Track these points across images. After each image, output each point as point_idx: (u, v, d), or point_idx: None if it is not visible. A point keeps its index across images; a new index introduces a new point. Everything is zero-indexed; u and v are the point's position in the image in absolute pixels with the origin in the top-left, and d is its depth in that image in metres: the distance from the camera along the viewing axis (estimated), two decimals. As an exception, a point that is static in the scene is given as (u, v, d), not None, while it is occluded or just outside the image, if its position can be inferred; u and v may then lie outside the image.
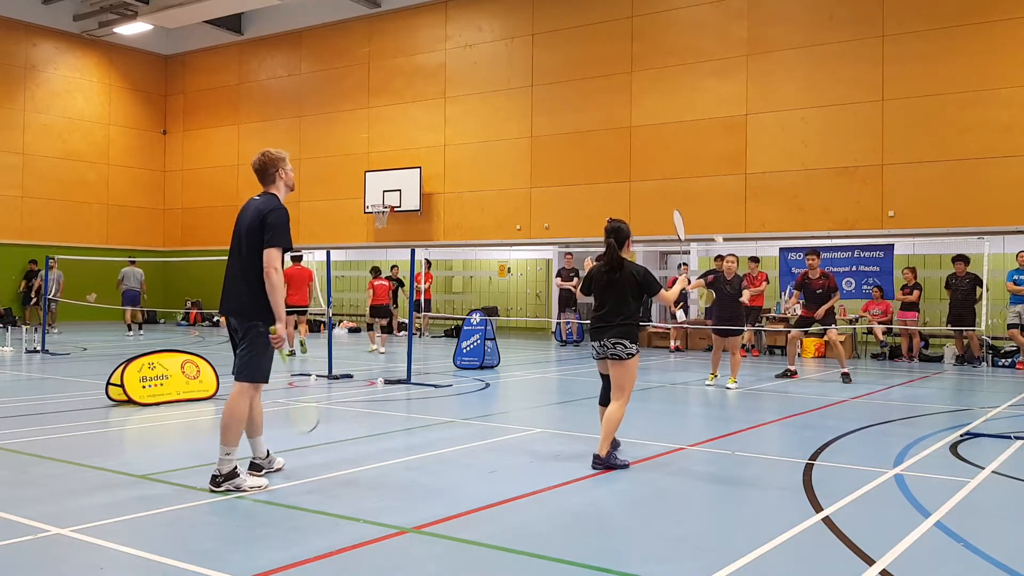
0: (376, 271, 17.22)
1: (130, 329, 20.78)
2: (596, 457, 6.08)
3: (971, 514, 4.97)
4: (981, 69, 16.10)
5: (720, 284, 11.29)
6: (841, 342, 16.50)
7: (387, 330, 17.21)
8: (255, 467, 5.63)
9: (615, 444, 6.31)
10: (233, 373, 5.48)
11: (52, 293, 20.31)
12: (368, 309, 16.63)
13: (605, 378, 6.63)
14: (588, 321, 6.76)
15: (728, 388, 11.00)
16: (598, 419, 6.47)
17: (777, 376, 12.67)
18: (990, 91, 16.01)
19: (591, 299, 6.69)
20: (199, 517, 4.69)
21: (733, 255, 11.56)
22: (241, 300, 5.34)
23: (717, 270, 11.80)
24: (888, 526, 4.65)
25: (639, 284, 6.39)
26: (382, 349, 16.09)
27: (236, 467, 5.26)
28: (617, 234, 6.40)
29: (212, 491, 5.18)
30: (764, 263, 17.95)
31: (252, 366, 5.40)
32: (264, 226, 5.21)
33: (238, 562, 3.93)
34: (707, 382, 11.47)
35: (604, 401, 6.58)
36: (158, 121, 28.32)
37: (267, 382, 5.53)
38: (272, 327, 5.29)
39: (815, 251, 12.89)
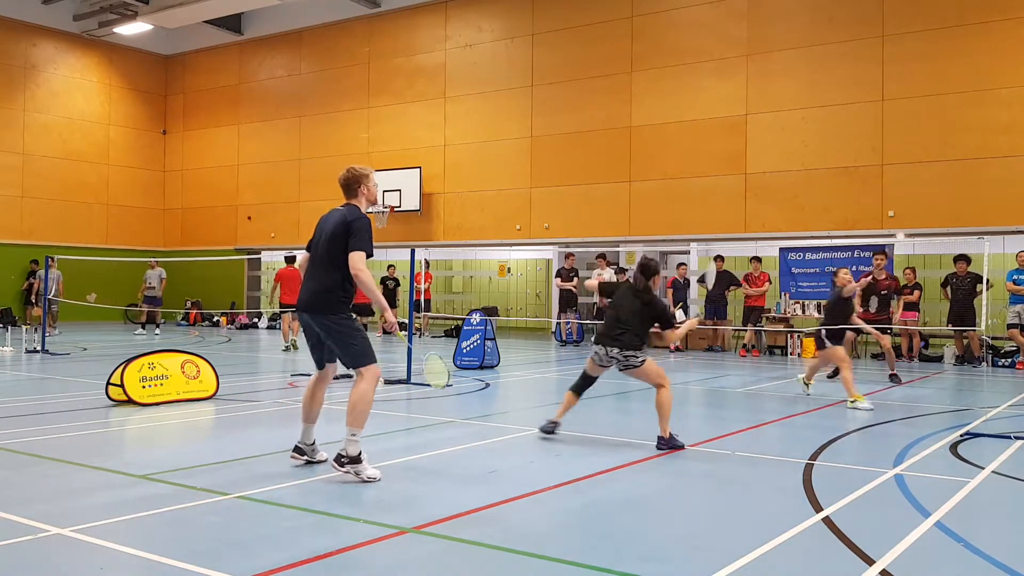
0: None
1: (143, 327, 20.94)
2: (660, 439, 6.77)
3: (971, 514, 4.97)
4: (981, 69, 16.10)
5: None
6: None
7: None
8: (298, 451, 6.01)
9: (555, 424, 7.17)
10: (347, 366, 5.81)
11: (52, 293, 20.32)
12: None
13: (589, 378, 7.23)
14: (594, 322, 7.15)
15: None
16: (567, 404, 7.24)
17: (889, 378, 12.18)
18: (990, 91, 16.02)
19: (600, 300, 7.21)
20: (199, 517, 4.69)
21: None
22: (321, 298, 5.74)
23: None
24: (888, 526, 4.65)
25: (657, 315, 7.09)
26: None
27: (361, 452, 5.55)
28: (646, 270, 7.18)
29: (334, 468, 5.52)
30: (764, 263, 17.96)
31: (362, 351, 5.75)
32: (349, 232, 5.65)
33: (238, 562, 3.93)
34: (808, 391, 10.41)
35: (577, 389, 7.26)
36: (158, 121, 28.33)
37: (376, 361, 5.82)
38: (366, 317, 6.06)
39: (882, 250, 12.44)
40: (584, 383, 7.24)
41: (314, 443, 6.05)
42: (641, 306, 7.03)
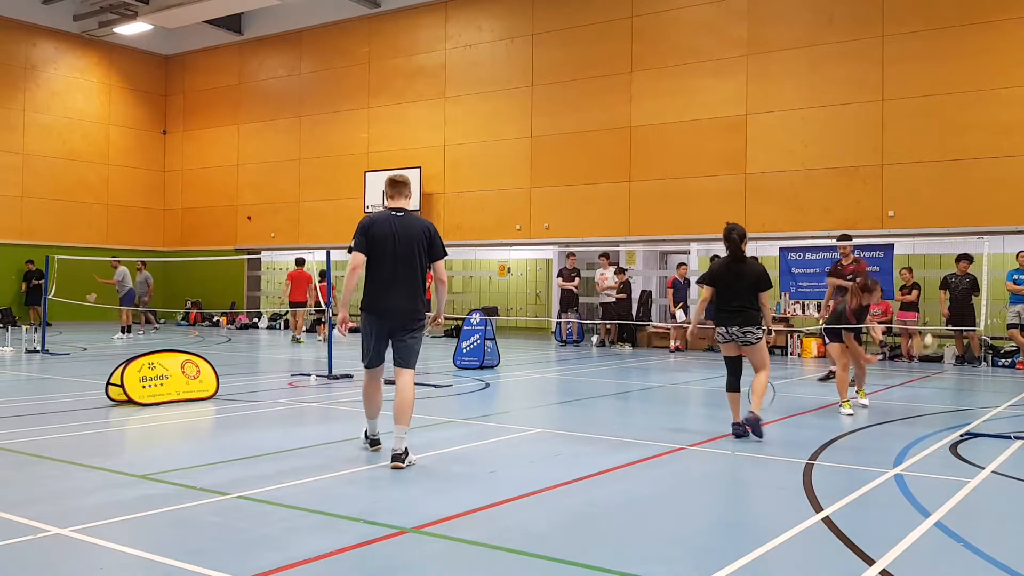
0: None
1: (128, 331, 20.28)
2: (751, 414, 7.09)
3: (971, 514, 4.97)
4: (981, 69, 16.10)
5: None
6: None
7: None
8: (373, 442, 6.54)
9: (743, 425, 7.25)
10: (400, 365, 6.20)
11: (141, 297, 20.71)
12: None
13: (731, 361, 7.49)
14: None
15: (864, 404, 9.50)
16: (728, 405, 7.51)
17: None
18: (990, 91, 16.02)
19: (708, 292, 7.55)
20: (199, 517, 4.69)
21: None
22: (410, 302, 6.16)
23: None
24: (888, 526, 4.65)
25: (759, 279, 7.33)
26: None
27: (407, 446, 6.03)
28: (738, 233, 7.38)
29: (396, 467, 5.89)
30: (764, 263, 17.95)
31: (416, 355, 6.30)
32: (432, 242, 6.18)
33: (238, 562, 3.93)
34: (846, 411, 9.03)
35: (731, 387, 7.45)
36: (158, 121, 28.33)
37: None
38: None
39: (846, 235, 12.33)
40: (734, 372, 7.46)
41: (377, 434, 6.59)
42: (746, 274, 7.29)
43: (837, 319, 9.34)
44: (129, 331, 20.07)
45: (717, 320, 7.45)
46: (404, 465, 5.91)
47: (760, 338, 7.30)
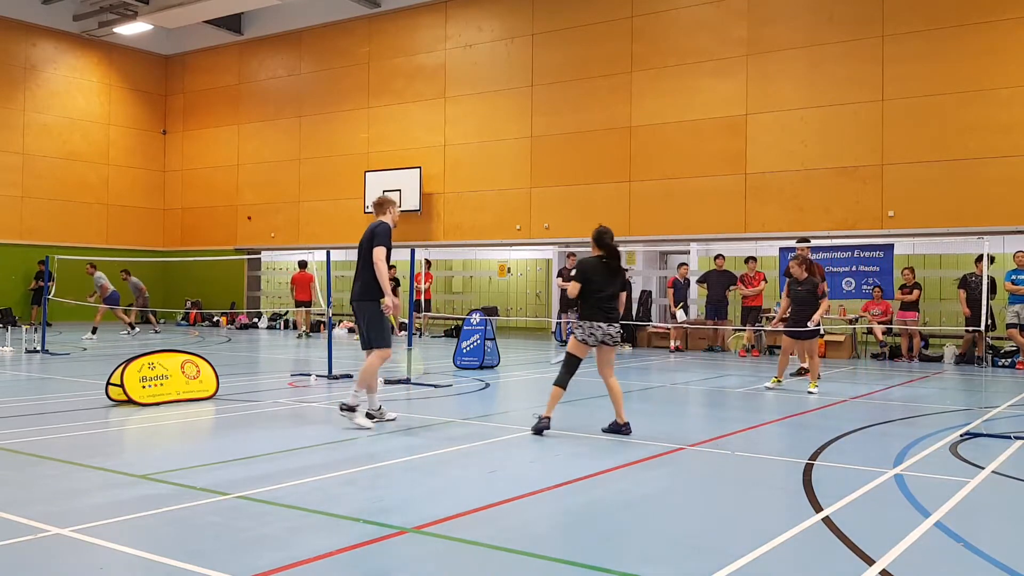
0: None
1: (132, 327, 20.50)
2: (615, 423, 7.26)
3: (971, 514, 4.97)
4: (981, 69, 16.10)
5: (793, 286, 10.81)
6: (840, 342, 16.58)
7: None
8: (369, 416, 7.67)
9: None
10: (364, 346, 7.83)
11: (137, 301, 20.70)
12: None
13: (576, 361, 7.42)
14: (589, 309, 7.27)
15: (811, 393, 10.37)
16: (552, 401, 7.43)
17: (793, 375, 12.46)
18: (990, 91, 16.01)
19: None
20: (199, 517, 4.69)
21: (798, 257, 11.01)
22: (360, 289, 7.72)
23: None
24: (888, 526, 4.65)
25: (625, 281, 7.67)
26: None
27: (358, 406, 7.60)
28: (610, 235, 7.61)
29: (340, 413, 7.62)
30: (764, 263, 17.96)
31: (367, 337, 7.79)
32: (373, 236, 7.70)
33: (238, 562, 3.93)
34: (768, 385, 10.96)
35: (561, 383, 7.37)
36: (158, 121, 28.32)
37: (390, 346, 7.88)
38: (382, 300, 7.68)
39: (806, 240, 12.68)
40: (570, 371, 7.52)
41: (380, 407, 7.79)
42: (619, 273, 7.50)
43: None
44: (133, 327, 20.34)
45: (591, 317, 7.33)
46: (344, 412, 7.59)
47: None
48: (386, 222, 7.86)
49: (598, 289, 7.30)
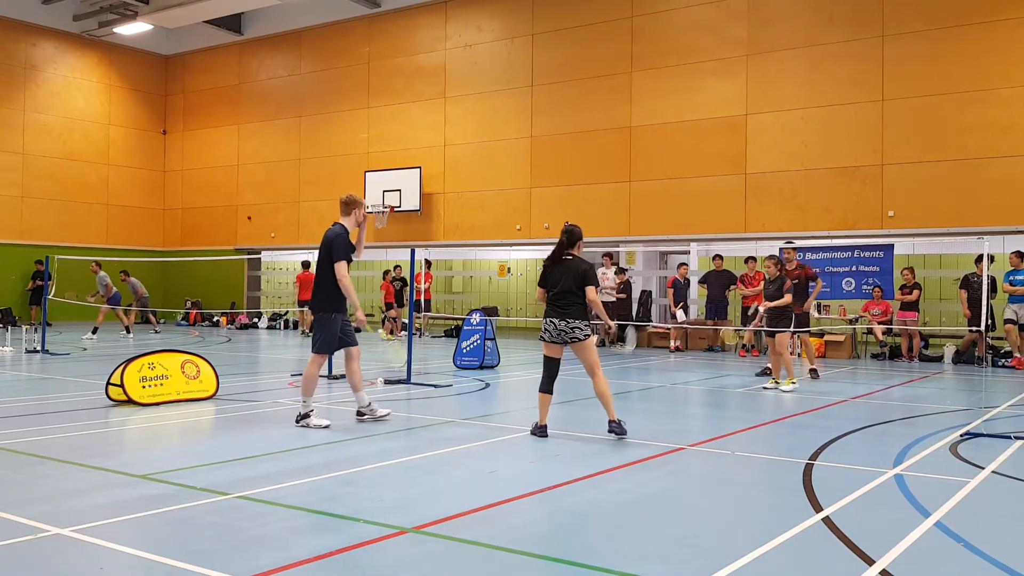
0: (387, 272, 21.35)
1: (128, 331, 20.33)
2: (612, 422, 7.08)
3: (971, 514, 4.97)
4: (981, 69, 16.10)
5: (766, 285, 11.22)
6: (840, 342, 16.59)
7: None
8: (360, 414, 7.79)
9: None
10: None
11: (136, 301, 20.96)
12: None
13: (550, 363, 7.37)
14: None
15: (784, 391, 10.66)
16: (540, 406, 7.38)
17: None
18: (990, 91, 16.01)
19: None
20: (199, 517, 4.69)
21: (773, 256, 11.34)
22: (323, 299, 7.65)
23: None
24: (888, 526, 4.65)
25: (581, 275, 7.24)
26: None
27: (311, 412, 7.52)
28: (570, 235, 7.45)
29: (295, 424, 7.50)
30: (760, 263, 17.94)
31: (314, 341, 7.69)
32: (331, 248, 7.69)
33: (238, 562, 3.93)
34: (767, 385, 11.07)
35: (545, 389, 7.36)
36: (158, 121, 28.32)
37: (331, 352, 7.94)
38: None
39: (791, 243, 12.91)
40: (551, 374, 7.46)
41: (370, 404, 7.80)
42: (567, 271, 7.30)
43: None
44: (128, 331, 20.11)
45: (546, 314, 7.42)
46: (299, 423, 7.50)
47: (588, 335, 7.20)
48: (343, 225, 7.82)
49: (552, 285, 7.34)
